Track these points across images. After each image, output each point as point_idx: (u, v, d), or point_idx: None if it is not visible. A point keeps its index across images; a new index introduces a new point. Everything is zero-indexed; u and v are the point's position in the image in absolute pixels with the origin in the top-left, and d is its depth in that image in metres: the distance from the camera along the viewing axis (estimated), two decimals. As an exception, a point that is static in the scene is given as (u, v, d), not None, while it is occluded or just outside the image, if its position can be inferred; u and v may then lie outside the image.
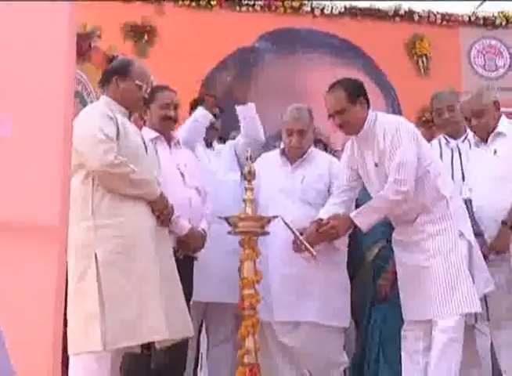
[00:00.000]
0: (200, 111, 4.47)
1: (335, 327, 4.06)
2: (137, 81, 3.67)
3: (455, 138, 4.56)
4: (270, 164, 4.27)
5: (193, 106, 4.67)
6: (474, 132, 4.11)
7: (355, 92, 3.89)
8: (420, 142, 3.86)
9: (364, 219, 3.81)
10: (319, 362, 4.02)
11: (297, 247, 3.90)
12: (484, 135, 4.02)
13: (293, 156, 4.27)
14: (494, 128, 3.99)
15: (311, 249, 3.82)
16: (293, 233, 3.85)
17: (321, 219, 3.94)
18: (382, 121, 3.88)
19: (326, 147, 4.95)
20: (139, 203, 3.50)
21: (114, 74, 3.72)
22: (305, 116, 4.24)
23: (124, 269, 3.37)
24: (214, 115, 4.58)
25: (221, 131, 4.83)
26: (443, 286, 3.74)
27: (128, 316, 3.31)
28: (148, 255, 3.43)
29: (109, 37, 6.12)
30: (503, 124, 4.00)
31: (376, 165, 3.87)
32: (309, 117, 4.27)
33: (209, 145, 4.63)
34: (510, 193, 3.81)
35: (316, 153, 4.33)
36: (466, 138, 4.52)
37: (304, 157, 4.25)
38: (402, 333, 3.92)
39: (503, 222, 3.81)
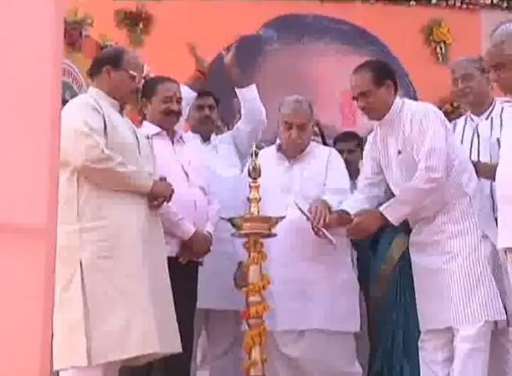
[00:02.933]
0: (183, 88, 4.37)
1: (343, 332, 4.03)
2: (130, 71, 3.66)
3: (478, 114, 4.30)
4: (267, 160, 4.17)
5: None
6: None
7: (382, 75, 3.93)
8: (449, 132, 3.86)
9: (394, 213, 3.78)
10: (327, 374, 4.00)
11: (316, 232, 3.90)
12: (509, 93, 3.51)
13: (292, 151, 4.23)
14: None
15: (330, 236, 3.83)
16: (310, 220, 3.84)
17: (344, 211, 3.94)
18: (410, 107, 3.90)
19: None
20: (128, 202, 3.49)
21: (105, 63, 3.71)
22: (305, 108, 4.20)
23: (110, 275, 3.36)
24: (199, 94, 4.53)
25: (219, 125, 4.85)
26: (463, 291, 3.73)
27: (115, 327, 3.29)
28: (135, 259, 3.41)
29: (101, 25, 6.12)
30: None
31: (399, 152, 3.88)
32: (310, 110, 4.23)
33: (206, 139, 4.59)
34: None
35: (316, 147, 4.31)
36: (489, 114, 4.24)
37: (304, 152, 4.23)
38: (420, 344, 3.91)
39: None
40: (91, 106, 3.52)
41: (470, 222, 3.74)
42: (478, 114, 4.26)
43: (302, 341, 4.01)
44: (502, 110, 4.07)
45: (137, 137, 3.68)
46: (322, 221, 3.82)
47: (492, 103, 4.23)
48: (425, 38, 8.16)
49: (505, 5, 8.47)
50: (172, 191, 3.65)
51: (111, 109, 3.61)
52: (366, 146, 4.19)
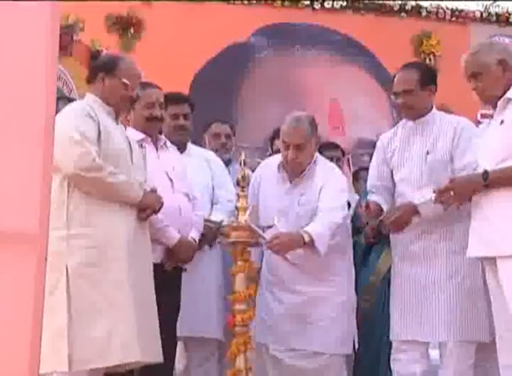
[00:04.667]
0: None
1: (338, 354, 4.06)
2: (123, 79, 3.65)
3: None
4: (270, 178, 4.16)
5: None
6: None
7: (428, 78, 3.97)
8: None
9: (428, 210, 3.76)
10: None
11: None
12: (491, 100, 3.56)
13: (292, 171, 4.11)
14: (502, 94, 3.50)
15: (286, 257, 3.87)
16: (265, 243, 3.85)
17: (376, 204, 3.96)
18: (444, 115, 3.99)
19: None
20: (117, 211, 3.50)
21: (100, 70, 3.71)
22: (305, 128, 4.04)
23: (95, 283, 3.37)
24: (175, 101, 4.46)
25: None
26: (453, 308, 3.77)
27: (98, 335, 3.31)
28: (121, 268, 3.42)
29: (92, 30, 6.13)
30: None
31: (427, 153, 3.90)
32: (311, 128, 4.07)
33: (183, 148, 4.51)
34: None
35: (320, 167, 4.13)
36: None
37: (304, 173, 4.08)
38: (394, 356, 3.94)
39: (484, 171, 3.37)
40: (86, 113, 3.52)
41: (466, 242, 3.70)
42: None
43: (297, 353, 4.02)
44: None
45: (130, 145, 3.69)
46: (274, 247, 3.81)
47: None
48: (415, 50, 8.21)
49: (494, 18, 8.54)
50: (162, 204, 3.66)
51: (106, 116, 3.61)
52: (374, 154, 4.20)
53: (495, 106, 3.53)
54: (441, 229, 3.83)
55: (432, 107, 4.01)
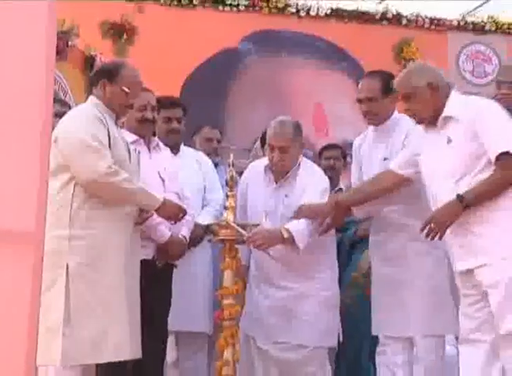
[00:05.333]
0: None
1: (321, 347, 4.06)
2: (123, 87, 3.61)
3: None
4: (257, 179, 4.16)
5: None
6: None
7: (390, 86, 3.91)
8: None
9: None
10: (301, 374, 4.03)
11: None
12: (424, 120, 3.57)
13: (277, 173, 4.11)
14: (438, 113, 3.49)
15: (267, 252, 3.83)
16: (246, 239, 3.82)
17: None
18: (408, 122, 3.90)
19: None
20: (115, 216, 3.50)
21: (103, 76, 3.67)
22: (289, 131, 4.03)
23: (92, 283, 3.38)
24: (168, 105, 4.47)
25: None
26: (426, 305, 3.80)
27: (92, 334, 3.33)
28: (118, 270, 3.44)
29: (87, 36, 6.10)
30: (453, 106, 3.48)
31: (385, 159, 3.93)
32: (294, 131, 4.05)
33: (176, 150, 4.51)
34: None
35: (304, 169, 4.12)
36: None
37: (288, 175, 4.08)
38: (379, 349, 3.97)
39: (458, 195, 3.33)
40: (98, 119, 3.50)
41: (435, 241, 3.70)
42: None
43: (282, 345, 4.02)
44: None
45: (129, 150, 3.69)
46: (253, 243, 3.78)
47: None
48: (395, 56, 8.24)
49: (470, 27, 8.58)
50: (184, 212, 3.73)
51: (110, 120, 3.60)
52: (353, 154, 4.23)
53: (427, 125, 3.54)
54: (407, 231, 3.83)
55: (393, 113, 3.99)
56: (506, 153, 3.27)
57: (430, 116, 3.49)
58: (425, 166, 3.55)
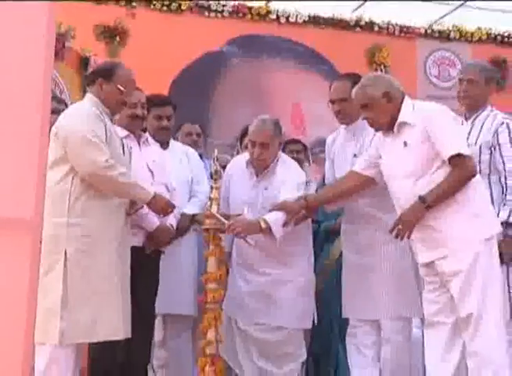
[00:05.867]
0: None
1: (297, 328, 4.07)
2: (119, 85, 3.61)
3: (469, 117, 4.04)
4: (239, 173, 4.15)
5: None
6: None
7: None
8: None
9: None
10: (279, 354, 4.04)
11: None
12: (382, 127, 3.57)
13: (258, 167, 4.10)
14: (394, 119, 3.49)
15: (248, 241, 3.81)
16: (226, 227, 3.81)
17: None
18: None
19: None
20: (111, 205, 3.51)
21: (99, 75, 3.67)
22: (269, 128, 4.02)
23: (87, 269, 3.39)
24: (159, 103, 4.45)
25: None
26: (392, 290, 3.82)
27: (88, 316, 3.34)
28: (111, 258, 3.45)
29: (82, 38, 6.07)
30: (407, 112, 3.49)
31: (355, 156, 3.93)
32: (274, 129, 4.04)
33: (165, 145, 4.49)
34: (426, 188, 3.42)
35: (282, 164, 4.12)
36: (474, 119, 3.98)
37: (268, 169, 4.07)
38: (349, 331, 3.98)
39: (420, 197, 3.36)
40: (97, 116, 3.50)
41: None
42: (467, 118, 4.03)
43: (262, 326, 4.02)
44: (486, 118, 3.94)
45: (123, 144, 3.68)
46: (233, 231, 3.76)
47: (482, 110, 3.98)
48: (368, 61, 8.25)
49: (437, 35, 8.62)
50: (173, 208, 3.72)
51: (107, 118, 3.60)
52: (326, 151, 4.21)
53: (385, 131, 3.55)
54: (376, 222, 3.85)
55: None
56: (458, 154, 3.32)
57: (387, 122, 3.51)
58: (385, 168, 3.58)
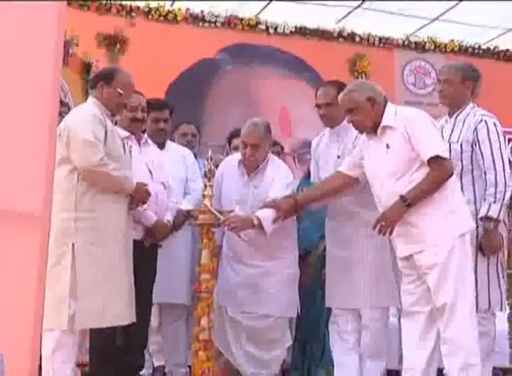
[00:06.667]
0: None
1: (283, 317, 4.07)
2: (118, 89, 3.62)
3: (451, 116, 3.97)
4: (231, 172, 4.14)
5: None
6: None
7: None
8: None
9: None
10: (266, 340, 4.04)
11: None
12: (366, 130, 3.58)
13: (249, 167, 4.10)
14: (377, 123, 3.50)
15: (241, 235, 3.84)
16: (221, 222, 3.81)
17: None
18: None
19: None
20: (114, 200, 3.52)
21: (100, 79, 3.68)
22: (260, 131, 4.02)
23: (97, 259, 3.39)
24: (156, 106, 4.42)
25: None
26: (372, 282, 3.83)
27: (96, 303, 3.35)
28: (117, 249, 3.46)
29: (85, 45, 6.04)
30: (389, 116, 3.50)
31: (338, 157, 3.93)
32: (265, 132, 4.05)
33: (162, 146, 4.47)
34: (407, 187, 3.42)
35: (271, 164, 4.12)
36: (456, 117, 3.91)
37: (258, 169, 4.07)
38: (332, 319, 4.00)
39: (401, 196, 3.37)
40: (98, 118, 3.51)
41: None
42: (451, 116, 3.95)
43: (250, 314, 4.01)
44: (467, 116, 3.88)
45: (123, 145, 3.67)
46: (228, 226, 3.77)
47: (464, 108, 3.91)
48: (350, 69, 8.24)
49: (413, 45, 8.64)
50: (149, 195, 3.70)
51: (108, 119, 3.60)
52: (312, 152, 4.21)
53: (369, 134, 3.56)
54: (357, 218, 3.85)
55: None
56: (436, 156, 3.33)
57: (371, 126, 3.52)
58: (368, 168, 3.58)
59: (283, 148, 5.14)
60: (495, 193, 3.66)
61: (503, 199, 3.68)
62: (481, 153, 3.74)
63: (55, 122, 1.84)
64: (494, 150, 3.72)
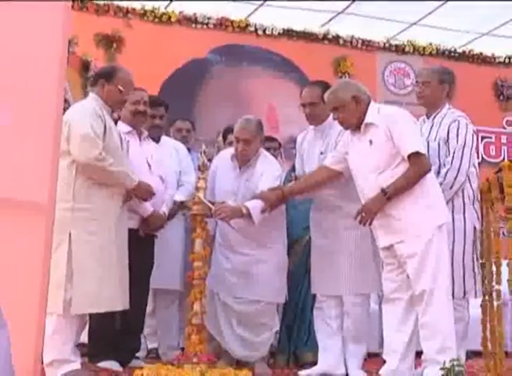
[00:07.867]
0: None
1: (272, 302, 4.07)
2: (119, 86, 3.60)
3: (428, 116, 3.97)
4: (224, 165, 4.14)
5: None
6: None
7: None
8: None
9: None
10: (255, 323, 4.04)
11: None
12: (351, 127, 3.57)
13: (241, 161, 4.09)
14: (361, 120, 3.49)
15: (230, 224, 3.84)
16: (212, 212, 3.80)
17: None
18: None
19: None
20: (110, 193, 3.50)
21: (101, 77, 3.65)
22: (252, 127, 4.01)
23: (92, 248, 3.37)
24: (152, 104, 4.34)
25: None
26: (353, 269, 3.84)
27: (91, 289, 3.33)
28: (112, 238, 3.45)
29: (84, 45, 6.01)
30: (372, 114, 3.49)
31: (321, 153, 3.93)
32: (256, 128, 4.03)
33: (157, 140, 4.43)
34: (388, 181, 3.42)
35: (262, 159, 4.10)
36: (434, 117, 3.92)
37: (249, 163, 4.07)
38: (317, 305, 4.01)
39: (382, 189, 3.37)
40: (97, 113, 3.49)
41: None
42: (429, 117, 3.95)
43: (241, 299, 4.02)
44: (444, 116, 3.86)
45: (121, 138, 3.65)
46: (218, 215, 3.77)
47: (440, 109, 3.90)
48: (334, 70, 8.24)
49: (394, 48, 8.65)
50: (152, 194, 3.72)
51: (107, 114, 3.57)
52: (297, 148, 4.20)
53: (353, 130, 3.56)
54: (340, 210, 3.86)
55: (330, 115, 3.84)
56: (416, 152, 3.34)
57: (355, 123, 3.53)
58: (352, 163, 3.59)
59: (280, 144, 5.12)
60: (441, 183, 3.62)
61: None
62: (448, 150, 3.76)
63: (60, 117, 1.83)
64: (458, 147, 3.73)
